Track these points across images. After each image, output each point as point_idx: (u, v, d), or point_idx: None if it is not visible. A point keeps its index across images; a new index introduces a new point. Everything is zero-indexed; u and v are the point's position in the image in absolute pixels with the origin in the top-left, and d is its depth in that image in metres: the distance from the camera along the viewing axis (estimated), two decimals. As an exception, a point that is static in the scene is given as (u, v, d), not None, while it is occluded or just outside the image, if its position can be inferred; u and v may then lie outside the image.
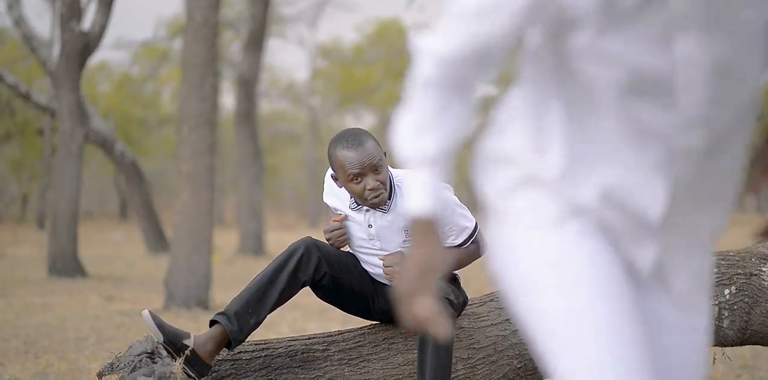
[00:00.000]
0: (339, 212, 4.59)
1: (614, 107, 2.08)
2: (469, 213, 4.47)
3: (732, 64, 2.01)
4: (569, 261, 2.13)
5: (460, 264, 4.44)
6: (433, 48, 2.13)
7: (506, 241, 2.22)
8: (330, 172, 4.59)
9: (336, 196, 4.60)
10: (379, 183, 4.35)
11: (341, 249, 4.59)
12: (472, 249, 4.47)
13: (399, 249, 4.46)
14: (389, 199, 4.46)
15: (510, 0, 2.03)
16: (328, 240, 4.50)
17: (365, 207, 4.48)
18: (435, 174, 2.14)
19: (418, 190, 2.13)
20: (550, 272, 2.14)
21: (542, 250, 2.16)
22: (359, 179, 4.35)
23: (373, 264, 4.58)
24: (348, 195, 4.52)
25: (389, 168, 4.52)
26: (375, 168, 4.34)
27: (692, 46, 1.99)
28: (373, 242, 4.52)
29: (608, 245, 2.16)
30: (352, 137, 4.39)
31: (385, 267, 4.35)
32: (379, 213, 4.48)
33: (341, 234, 4.47)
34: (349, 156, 4.34)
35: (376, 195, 4.37)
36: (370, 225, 4.50)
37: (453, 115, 2.17)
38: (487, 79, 2.16)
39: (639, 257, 2.19)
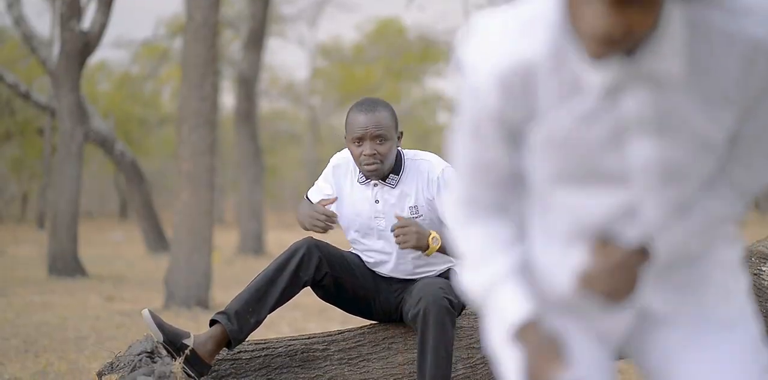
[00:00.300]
0: (328, 196, 4.61)
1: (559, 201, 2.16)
2: None
3: (684, 168, 2.06)
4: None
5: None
6: (451, 197, 2.26)
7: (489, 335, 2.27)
8: (336, 155, 4.67)
9: (340, 175, 4.64)
10: (376, 153, 4.43)
11: (339, 249, 4.60)
12: None
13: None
14: (397, 174, 4.53)
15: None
16: (314, 222, 4.46)
17: (373, 182, 4.54)
18: (514, 284, 2.18)
19: (508, 303, 2.16)
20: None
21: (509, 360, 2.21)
22: (360, 143, 4.45)
23: (373, 250, 4.59)
24: (357, 170, 4.58)
25: (400, 148, 4.59)
26: (378, 137, 4.43)
27: (645, 149, 2.03)
28: (378, 220, 4.54)
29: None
30: (369, 103, 4.52)
31: (397, 228, 4.34)
32: (387, 188, 4.53)
33: (330, 215, 4.44)
34: (357, 118, 4.46)
35: (370, 163, 4.44)
36: (377, 201, 4.54)
37: (500, 237, 2.22)
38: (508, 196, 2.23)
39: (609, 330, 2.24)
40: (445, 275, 4.60)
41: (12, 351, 7.35)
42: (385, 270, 4.60)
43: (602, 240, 2.10)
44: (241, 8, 30.96)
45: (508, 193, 2.21)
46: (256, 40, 20.29)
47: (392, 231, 4.33)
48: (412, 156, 4.60)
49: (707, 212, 2.12)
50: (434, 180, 4.49)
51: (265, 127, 41.58)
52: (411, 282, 4.57)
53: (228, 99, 43.67)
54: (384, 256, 4.60)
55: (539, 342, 2.10)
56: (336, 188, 4.63)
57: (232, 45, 33.25)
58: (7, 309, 10.00)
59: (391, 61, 39.79)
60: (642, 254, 2.09)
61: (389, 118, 4.48)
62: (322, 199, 4.51)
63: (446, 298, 4.20)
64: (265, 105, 43.58)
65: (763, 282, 4.51)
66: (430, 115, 48.15)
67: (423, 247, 4.29)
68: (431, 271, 4.60)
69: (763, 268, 4.55)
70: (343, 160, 4.66)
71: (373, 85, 39.21)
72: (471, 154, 2.15)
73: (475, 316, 4.60)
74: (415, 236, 4.27)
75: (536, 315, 2.12)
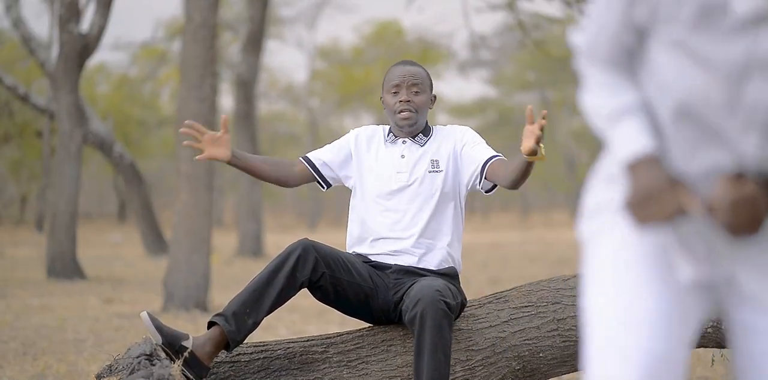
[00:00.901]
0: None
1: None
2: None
3: None
4: (619, 259, 2.19)
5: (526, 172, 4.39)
6: (579, 40, 2.28)
7: (586, 237, 2.28)
8: (359, 128, 4.92)
9: (362, 141, 4.83)
10: (411, 101, 4.71)
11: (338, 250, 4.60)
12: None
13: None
14: (426, 136, 4.77)
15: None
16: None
17: (402, 139, 4.76)
18: (640, 120, 2.16)
19: (629, 135, 2.14)
20: (601, 269, 2.21)
21: (602, 248, 2.22)
22: (397, 91, 4.72)
23: (390, 211, 4.67)
24: (383, 132, 4.83)
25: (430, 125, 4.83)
26: (415, 87, 4.72)
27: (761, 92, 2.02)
28: (400, 175, 4.68)
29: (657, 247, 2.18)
30: (409, 60, 4.87)
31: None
32: (415, 146, 4.75)
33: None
34: (397, 69, 4.77)
35: (404, 110, 4.70)
36: (402, 156, 4.72)
37: (625, 81, 2.22)
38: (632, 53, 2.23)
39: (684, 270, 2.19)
40: (446, 273, 4.61)
41: (11, 353, 7.34)
42: (397, 229, 4.65)
43: (734, 174, 2.06)
44: (239, 10, 31.00)
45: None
46: (254, 42, 20.30)
47: None
48: (440, 127, 4.87)
49: None
50: (458, 134, 4.74)
51: (264, 129, 41.65)
52: (408, 279, 4.57)
53: (227, 101, 43.70)
54: (398, 215, 4.67)
55: (658, 176, 2.08)
56: (355, 152, 4.82)
57: (231, 47, 33.29)
58: (6, 311, 9.99)
59: (390, 63, 39.69)
60: None
61: (426, 75, 4.80)
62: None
63: (443, 301, 4.19)
64: (264, 107, 43.63)
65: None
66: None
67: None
68: (436, 246, 4.65)
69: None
70: (365, 129, 4.88)
71: (372, 87, 39.21)
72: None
73: (474, 318, 4.60)
74: None
75: (659, 153, 2.10)
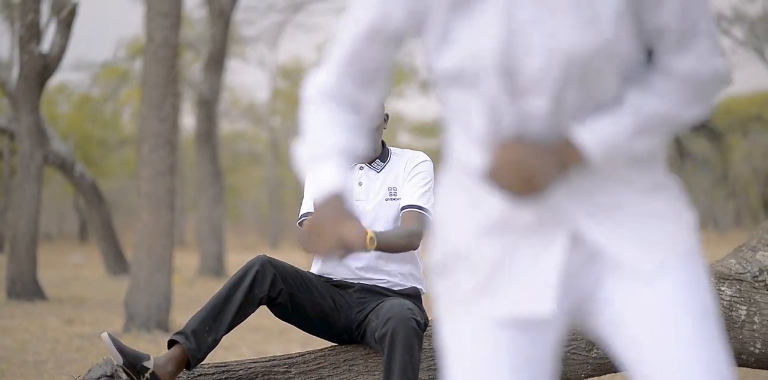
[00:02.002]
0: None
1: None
2: (431, 198, 4.63)
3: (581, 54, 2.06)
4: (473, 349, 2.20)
5: (387, 243, 4.44)
6: (316, 77, 2.31)
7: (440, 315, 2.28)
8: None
9: None
10: None
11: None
12: (403, 232, 4.51)
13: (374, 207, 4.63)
14: (383, 161, 4.72)
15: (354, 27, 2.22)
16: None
17: (358, 165, 4.69)
18: (339, 161, 2.23)
19: (325, 175, 2.21)
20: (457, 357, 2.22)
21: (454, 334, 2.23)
22: None
23: None
24: None
25: (390, 147, 4.79)
26: None
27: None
28: (358, 202, 4.64)
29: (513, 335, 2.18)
30: None
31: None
32: (372, 173, 4.69)
33: None
34: None
35: None
36: (360, 183, 4.67)
37: (347, 124, 2.28)
38: (371, 97, 2.31)
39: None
40: (410, 294, 4.62)
41: (-30, 375, 7.29)
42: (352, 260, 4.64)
43: (511, 137, 2.09)
44: (201, 29, 30.98)
45: (373, 89, 2.30)
46: (216, 62, 20.28)
47: None
48: (399, 151, 4.80)
49: (640, 109, 2.08)
50: (411, 164, 4.69)
51: (226, 148, 41.55)
52: (371, 298, 4.57)
53: (189, 120, 43.62)
54: None
55: (336, 208, 2.15)
56: None
57: (193, 66, 33.24)
58: (-34, 332, 9.92)
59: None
60: (561, 151, 2.08)
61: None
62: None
63: (414, 319, 4.21)
64: (225, 126, 43.55)
65: (722, 301, 4.53)
66: (390, 136, 48.23)
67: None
68: (391, 270, 4.64)
69: (722, 287, 4.58)
70: None
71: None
72: (353, 46, 2.23)
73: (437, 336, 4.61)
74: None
75: (342, 190, 2.17)
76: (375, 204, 4.63)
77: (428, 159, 4.73)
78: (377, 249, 4.33)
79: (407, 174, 4.66)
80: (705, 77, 2.10)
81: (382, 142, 4.80)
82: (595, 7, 2.02)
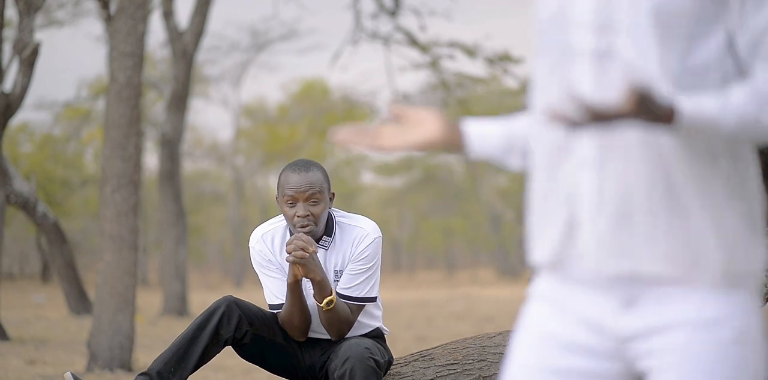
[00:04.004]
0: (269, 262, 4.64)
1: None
2: (370, 282, 4.58)
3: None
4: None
5: (336, 314, 4.45)
6: None
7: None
8: (251, 239, 4.67)
9: (267, 252, 4.64)
10: (309, 214, 4.47)
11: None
12: (344, 316, 4.53)
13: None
14: (330, 236, 4.60)
15: None
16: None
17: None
18: None
19: None
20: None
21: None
22: (293, 203, 4.48)
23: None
24: (283, 234, 4.64)
25: (333, 208, 4.66)
26: (311, 198, 4.48)
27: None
28: (307, 283, 4.56)
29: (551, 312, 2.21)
30: (303, 164, 4.57)
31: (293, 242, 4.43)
32: (320, 251, 4.59)
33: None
34: (291, 178, 4.50)
35: (304, 225, 4.47)
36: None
37: None
38: None
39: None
40: (372, 335, 4.62)
41: (-70, 417, 7.22)
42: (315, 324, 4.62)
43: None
44: (164, 69, 30.98)
45: None
46: (179, 101, 20.27)
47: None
48: (345, 219, 4.68)
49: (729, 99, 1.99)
50: (356, 247, 4.59)
51: (189, 187, 41.45)
52: (333, 341, 4.58)
53: (151, 159, 43.53)
54: (314, 318, 4.60)
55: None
56: (278, 269, 4.65)
57: (156, 106, 33.21)
58: (-74, 374, 9.82)
59: (315, 121, 39.91)
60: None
61: (322, 179, 4.56)
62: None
63: (372, 358, 4.21)
64: (188, 165, 43.47)
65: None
66: (354, 176, 48.28)
67: (316, 278, 4.35)
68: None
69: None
70: (260, 240, 4.68)
71: (297, 145, 39.28)
72: None
73: (400, 377, 4.61)
74: (313, 263, 4.34)
75: None
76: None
77: (377, 236, 4.62)
78: (327, 310, 4.36)
79: (353, 257, 4.58)
80: None
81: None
82: None
